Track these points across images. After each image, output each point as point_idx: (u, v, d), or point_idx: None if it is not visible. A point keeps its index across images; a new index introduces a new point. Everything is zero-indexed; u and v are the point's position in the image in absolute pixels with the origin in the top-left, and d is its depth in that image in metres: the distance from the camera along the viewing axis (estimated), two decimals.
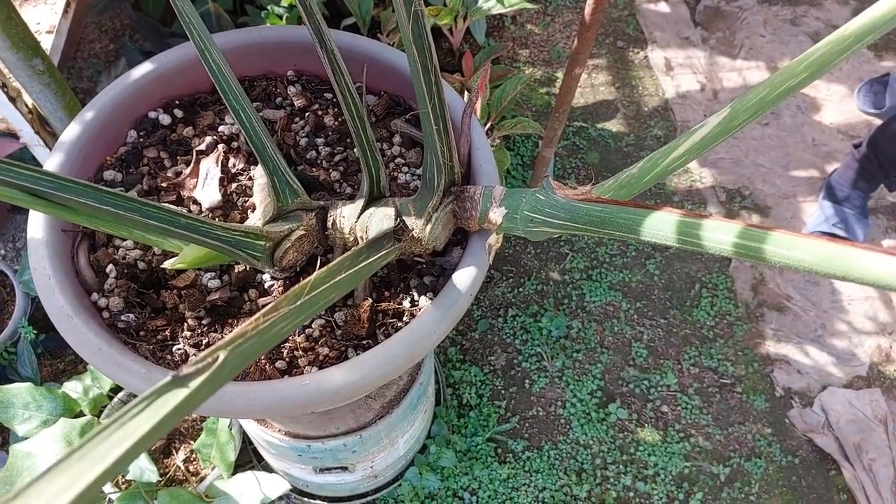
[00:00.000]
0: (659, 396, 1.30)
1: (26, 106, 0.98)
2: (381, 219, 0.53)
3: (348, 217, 0.56)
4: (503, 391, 1.28)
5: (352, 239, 0.56)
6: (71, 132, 0.60)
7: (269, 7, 1.57)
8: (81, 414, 0.99)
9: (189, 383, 0.25)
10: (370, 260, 0.42)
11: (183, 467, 1.01)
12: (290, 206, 0.56)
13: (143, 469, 0.88)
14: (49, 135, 1.04)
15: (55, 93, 0.96)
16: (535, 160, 1.60)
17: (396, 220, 0.53)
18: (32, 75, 0.91)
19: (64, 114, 0.99)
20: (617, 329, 1.37)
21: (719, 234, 0.35)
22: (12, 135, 1.02)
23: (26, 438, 0.90)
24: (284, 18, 1.56)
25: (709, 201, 1.59)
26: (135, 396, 1.07)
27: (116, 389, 1.04)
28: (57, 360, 1.16)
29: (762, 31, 1.93)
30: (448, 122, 0.51)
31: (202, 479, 1.00)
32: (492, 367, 1.31)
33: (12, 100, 0.94)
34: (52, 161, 0.58)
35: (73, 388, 1.00)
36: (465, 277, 0.55)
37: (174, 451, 1.05)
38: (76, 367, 1.15)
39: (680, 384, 1.32)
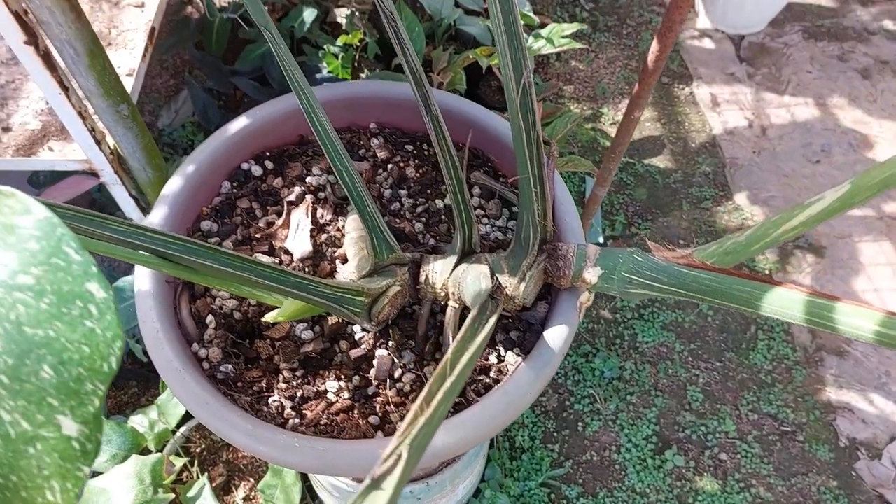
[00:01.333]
0: (717, 443, 1.27)
1: (109, 147, 1.02)
2: (476, 277, 0.53)
3: (440, 273, 0.57)
4: (556, 434, 1.27)
5: (443, 294, 0.57)
6: (173, 185, 0.63)
7: (325, 47, 1.62)
8: (147, 449, 1.01)
9: (383, 485, 0.26)
10: (486, 326, 0.43)
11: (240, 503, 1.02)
12: (386, 261, 0.57)
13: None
14: (126, 174, 1.08)
15: (136, 135, 1.00)
16: (583, 197, 1.61)
17: (493, 278, 0.54)
18: (118, 119, 0.95)
19: (142, 154, 1.03)
20: (671, 371, 1.36)
21: (856, 319, 0.35)
22: (93, 174, 1.06)
23: (97, 473, 0.93)
24: (340, 58, 1.60)
25: None
26: (199, 432, 1.09)
27: (180, 424, 1.06)
28: (120, 392, 1.19)
29: (809, 67, 1.92)
30: (546, 185, 0.52)
31: None
32: (543, 409, 1.30)
33: (98, 142, 0.98)
34: (156, 213, 0.61)
35: (139, 422, 1.02)
36: (556, 336, 0.55)
37: (234, 489, 1.06)
38: (139, 399, 1.17)
39: (739, 431, 1.29)
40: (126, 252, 0.44)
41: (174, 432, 1.07)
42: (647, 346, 1.38)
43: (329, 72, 1.58)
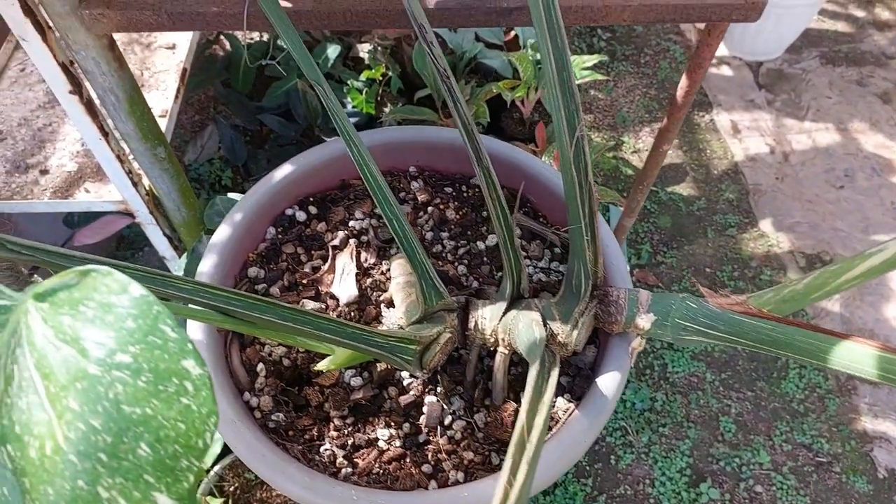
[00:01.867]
0: (752, 475, 1.25)
1: (145, 188, 1.04)
2: (528, 325, 0.53)
3: (490, 319, 0.57)
4: (588, 467, 1.25)
5: (492, 340, 0.57)
6: (222, 234, 0.64)
7: (349, 82, 1.65)
8: None
9: None
10: (551, 382, 0.43)
11: None
12: (435, 307, 0.57)
13: None
14: (161, 214, 1.09)
15: (172, 177, 1.01)
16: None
17: (545, 326, 0.54)
18: (155, 162, 0.97)
19: (177, 195, 1.05)
20: (703, 402, 1.34)
21: None
22: (128, 214, 1.08)
23: None
24: (364, 93, 1.62)
25: (788, 267, 1.56)
26: (232, 471, 1.09)
27: (214, 463, 1.06)
28: None
29: (828, 92, 1.93)
30: (597, 233, 0.52)
31: None
32: None
33: (135, 184, 1.00)
34: (207, 262, 0.61)
35: None
36: (609, 383, 0.55)
37: None
38: None
39: (773, 462, 1.27)
40: (189, 310, 0.45)
41: (208, 472, 1.07)
42: (678, 377, 1.36)
43: (353, 106, 1.60)
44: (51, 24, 0.77)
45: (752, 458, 1.27)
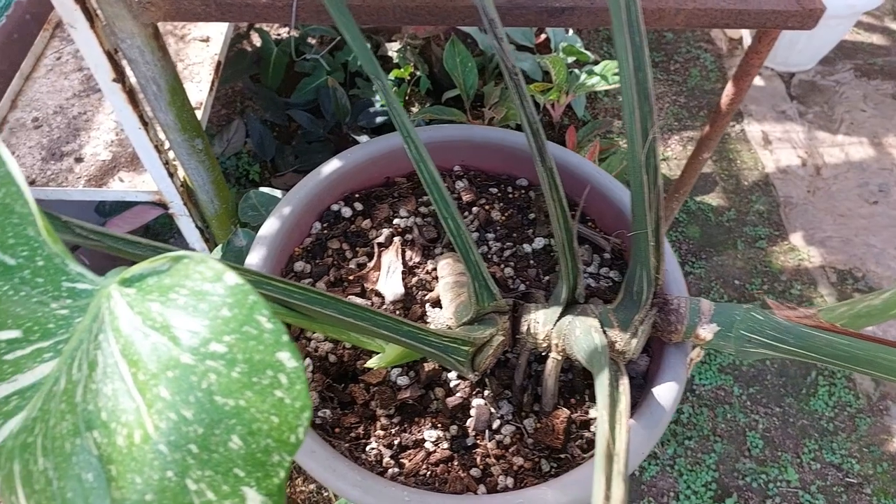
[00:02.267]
0: (779, 493, 1.23)
1: (180, 180, 1.04)
2: (587, 331, 0.52)
3: (543, 323, 0.56)
4: None
5: (545, 345, 0.56)
6: (270, 227, 0.63)
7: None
8: None
9: None
10: (623, 390, 0.42)
11: None
12: (486, 308, 0.56)
13: None
14: (194, 206, 1.09)
15: (207, 169, 1.01)
16: None
17: (604, 332, 0.52)
18: (192, 153, 0.96)
19: (211, 188, 1.04)
20: (729, 416, 1.32)
21: None
22: (161, 205, 1.07)
23: None
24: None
25: (819, 282, 1.53)
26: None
27: None
28: None
29: (863, 105, 1.90)
30: (662, 239, 0.51)
31: None
32: None
33: (171, 175, 1.00)
34: (255, 255, 0.61)
35: None
36: (666, 394, 0.54)
37: None
38: None
39: (801, 480, 1.24)
40: None
41: None
42: (705, 390, 1.34)
43: (382, 105, 1.59)
44: (98, 11, 0.77)
45: (780, 476, 1.25)
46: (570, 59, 1.57)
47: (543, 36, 1.74)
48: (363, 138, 1.53)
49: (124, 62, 0.83)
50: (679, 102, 1.88)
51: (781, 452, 1.28)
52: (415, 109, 1.67)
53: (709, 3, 0.76)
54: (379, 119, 1.56)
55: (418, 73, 1.66)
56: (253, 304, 0.27)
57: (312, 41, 1.64)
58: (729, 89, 0.97)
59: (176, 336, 0.27)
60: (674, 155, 1.77)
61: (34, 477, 0.29)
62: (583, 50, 1.57)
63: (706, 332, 0.52)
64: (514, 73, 0.49)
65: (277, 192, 1.17)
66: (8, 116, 1.18)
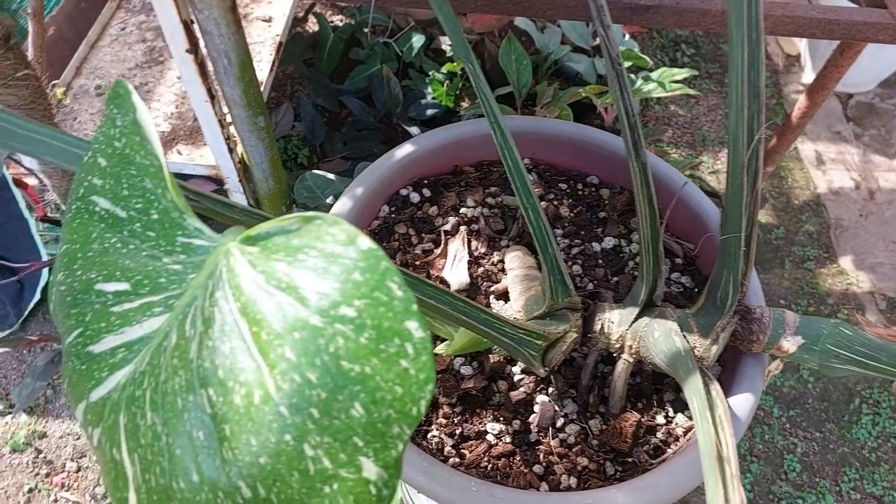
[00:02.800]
0: None
1: (238, 156, 1.04)
2: (667, 334, 0.51)
3: (618, 323, 0.55)
4: None
5: (617, 346, 0.55)
6: (343, 206, 0.62)
7: (430, 73, 1.64)
8: None
9: None
10: (715, 394, 0.40)
11: None
12: (560, 304, 0.55)
13: None
14: (248, 183, 1.10)
15: (266, 147, 1.01)
16: None
17: (685, 337, 0.51)
18: (253, 131, 0.97)
19: (268, 166, 1.04)
20: (767, 437, 1.29)
21: None
22: (217, 180, 1.08)
23: None
24: (445, 85, 1.61)
25: (867, 308, 1.49)
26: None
27: None
28: None
29: None
30: (753, 244, 0.49)
31: None
32: None
33: (230, 150, 1.00)
34: None
35: None
36: (742, 406, 0.52)
37: None
38: None
39: None
40: None
41: None
42: None
43: (433, 98, 1.59)
44: None
45: (817, 502, 1.22)
46: (627, 64, 1.55)
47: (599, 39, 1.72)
48: (413, 129, 1.52)
49: (199, 34, 0.83)
50: None
51: (820, 479, 1.25)
52: (465, 104, 1.66)
53: (798, 11, 0.74)
54: (430, 111, 1.55)
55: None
56: (385, 270, 0.26)
57: (367, 30, 1.64)
58: (802, 102, 0.94)
59: (304, 297, 0.26)
60: (723, 168, 1.74)
61: (141, 431, 0.29)
62: (641, 55, 1.55)
63: (790, 344, 0.50)
64: (618, 63, 0.47)
65: (331, 176, 1.17)
66: (72, 83, 1.20)
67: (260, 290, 0.27)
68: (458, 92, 1.66)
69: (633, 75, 1.61)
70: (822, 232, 1.62)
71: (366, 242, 0.26)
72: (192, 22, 0.83)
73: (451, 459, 0.53)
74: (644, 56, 1.52)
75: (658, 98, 1.89)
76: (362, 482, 0.26)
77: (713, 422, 0.36)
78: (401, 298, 0.26)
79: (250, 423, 0.26)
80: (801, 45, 2.00)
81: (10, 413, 1.28)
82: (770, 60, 2.01)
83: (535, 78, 1.68)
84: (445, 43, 1.75)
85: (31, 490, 1.20)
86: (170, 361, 0.29)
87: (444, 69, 1.65)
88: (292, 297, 0.26)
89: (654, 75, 1.54)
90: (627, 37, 1.70)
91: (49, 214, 1.08)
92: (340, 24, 1.74)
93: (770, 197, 1.67)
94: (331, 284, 0.26)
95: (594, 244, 0.67)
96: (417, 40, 1.63)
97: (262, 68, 1.22)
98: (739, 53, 0.43)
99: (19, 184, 1.05)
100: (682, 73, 1.52)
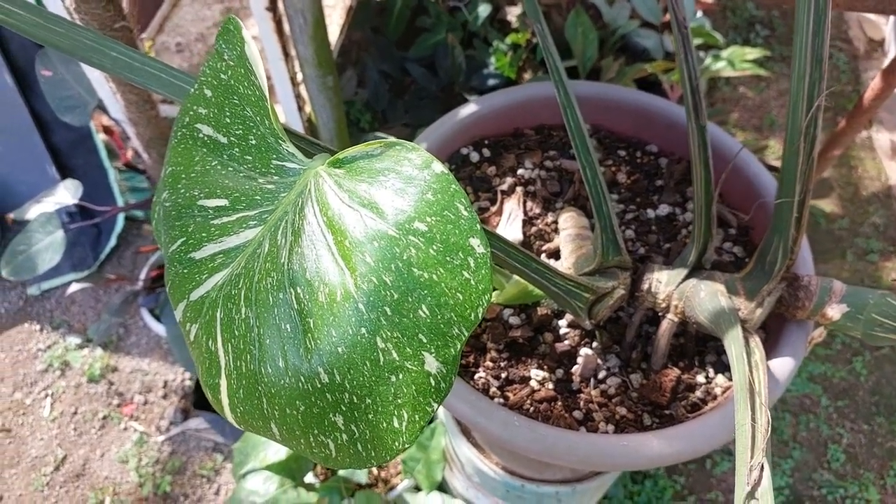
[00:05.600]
0: None
1: (306, 115, 1.09)
2: (712, 294, 0.53)
3: (666, 283, 0.56)
4: (682, 466, 1.23)
5: (664, 305, 0.57)
6: None
7: (494, 43, 1.65)
8: None
9: (757, 494, 0.27)
10: (753, 345, 0.42)
11: (375, 471, 1.06)
12: (610, 262, 0.57)
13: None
14: None
15: (333, 107, 1.06)
16: None
17: (731, 298, 0.53)
18: (322, 90, 1.01)
19: (334, 126, 1.09)
20: (812, 425, 1.27)
21: None
22: None
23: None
24: (508, 56, 1.62)
25: None
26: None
27: None
28: None
29: None
30: (806, 211, 0.50)
31: (391, 487, 1.05)
32: None
33: (299, 108, 1.06)
34: None
35: None
36: (782, 368, 0.53)
37: None
38: None
39: (882, 502, 1.19)
40: None
41: None
42: (790, 395, 1.30)
43: (496, 68, 1.60)
44: None
45: (859, 493, 1.20)
46: (697, 41, 1.52)
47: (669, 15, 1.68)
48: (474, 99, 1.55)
49: None
50: None
51: (864, 471, 1.23)
52: (527, 76, 1.67)
53: None
54: (491, 81, 1.57)
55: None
56: (454, 192, 0.29)
57: None
58: (876, 83, 0.91)
59: (383, 212, 0.30)
60: None
61: (235, 323, 0.33)
62: (712, 32, 1.51)
63: (834, 311, 0.51)
64: (684, 26, 0.49)
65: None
66: (155, 39, 1.28)
67: (344, 205, 0.31)
68: (520, 63, 1.66)
69: (702, 53, 1.58)
70: (890, 225, 1.56)
71: (439, 167, 0.29)
72: None
73: (496, 399, 0.57)
74: (715, 34, 1.49)
75: (727, 78, 1.84)
76: (424, 374, 0.30)
77: (748, 364, 0.38)
78: (466, 218, 0.29)
79: (332, 318, 0.30)
80: (886, 28, 1.90)
81: (87, 346, 1.39)
82: (850, 45, 1.92)
83: (601, 52, 1.67)
84: (511, 13, 1.75)
85: (104, 417, 1.31)
86: (263, 265, 0.33)
87: (508, 40, 1.65)
88: (373, 212, 0.30)
89: (724, 53, 1.51)
90: (700, 13, 1.66)
91: (132, 162, 1.16)
92: None
93: (837, 186, 1.62)
94: (407, 202, 0.29)
95: (649, 211, 0.69)
96: (484, 9, 1.64)
97: (332, 31, 1.26)
98: (805, 18, 0.43)
99: (107, 130, 1.13)
100: (754, 53, 1.48)
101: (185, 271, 0.36)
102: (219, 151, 0.37)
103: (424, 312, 0.29)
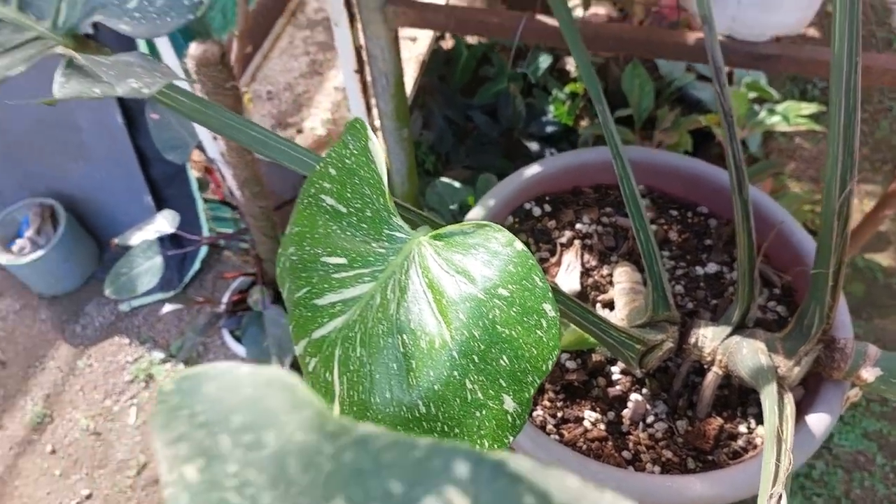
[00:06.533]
0: None
1: None
2: (753, 352, 0.58)
3: (711, 339, 0.62)
4: None
5: (709, 359, 0.62)
6: (476, 213, 0.74)
7: (553, 92, 1.73)
8: None
9: None
10: (787, 401, 0.48)
11: None
12: (660, 317, 0.64)
13: None
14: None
15: (406, 155, 1.16)
16: None
17: (770, 357, 0.58)
18: (398, 141, 1.12)
19: (405, 171, 1.19)
20: (867, 484, 1.27)
21: None
22: None
23: None
24: (566, 105, 1.70)
25: None
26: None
27: None
28: None
29: None
30: (840, 282, 0.55)
31: None
32: None
33: None
34: None
35: None
36: (818, 423, 0.58)
37: None
38: None
39: None
40: None
41: None
42: (843, 451, 1.30)
43: (554, 116, 1.68)
44: (358, 15, 0.93)
45: None
46: (752, 95, 1.56)
47: (727, 68, 1.73)
48: (532, 145, 1.63)
49: (366, 57, 0.99)
50: (862, 154, 1.78)
51: None
52: (584, 123, 1.74)
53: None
54: (549, 128, 1.65)
55: None
56: (531, 266, 0.37)
57: (575, 61, 1.76)
58: None
59: (473, 278, 0.38)
60: None
61: (351, 360, 0.42)
62: (767, 88, 1.56)
63: (869, 374, 0.55)
64: (730, 116, 0.56)
65: (457, 184, 1.30)
66: (249, 87, 1.42)
67: (442, 271, 0.39)
68: (578, 111, 1.74)
69: (756, 106, 1.62)
70: None
71: (520, 245, 0.37)
72: (362, 48, 0.99)
73: (552, 436, 0.63)
74: (771, 89, 1.53)
75: (784, 131, 1.86)
76: (503, 412, 0.37)
77: (780, 416, 0.43)
78: (541, 287, 0.37)
79: (430, 361, 0.38)
80: None
81: (169, 361, 1.52)
82: None
83: (657, 102, 1.73)
84: (570, 63, 1.84)
85: None
86: (375, 314, 0.41)
87: (566, 89, 1.74)
88: (465, 278, 0.38)
89: (779, 108, 1.54)
90: None
91: (225, 198, 1.28)
92: (474, 44, 1.88)
93: (894, 240, 1.62)
94: (493, 272, 0.37)
95: (698, 268, 0.75)
96: (544, 60, 1.74)
97: (407, 83, 1.37)
98: (837, 114, 0.50)
99: (207, 170, 1.26)
100: (810, 108, 1.51)
101: (309, 314, 0.45)
102: (339, 219, 0.46)
103: (505, 362, 0.37)
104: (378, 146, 0.42)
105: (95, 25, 0.48)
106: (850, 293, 1.53)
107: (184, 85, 0.87)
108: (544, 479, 0.11)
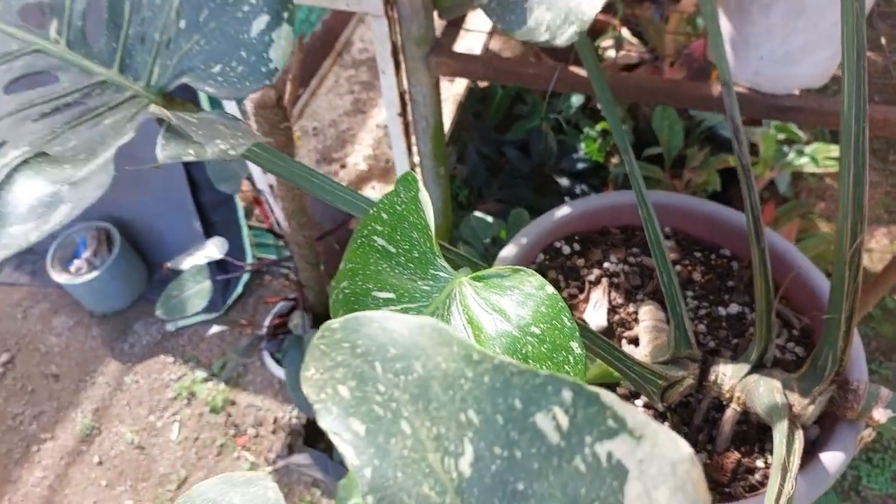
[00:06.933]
0: None
1: None
2: (770, 390, 0.62)
3: (730, 377, 0.66)
4: None
5: (728, 396, 0.66)
6: (509, 252, 0.80)
7: (584, 130, 1.79)
8: None
9: None
10: (797, 437, 0.52)
11: None
12: (681, 354, 0.68)
13: None
14: None
15: (442, 191, 1.22)
16: None
17: (785, 395, 0.61)
18: (435, 179, 1.18)
19: (441, 206, 1.25)
20: None
21: None
22: None
23: None
24: (597, 143, 1.75)
25: None
26: None
27: None
28: None
29: None
30: (853, 328, 0.59)
31: None
32: None
33: None
34: None
35: None
36: (832, 461, 0.61)
37: None
38: None
39: None
40: None
41: None
42: (872, 494, 1.29)
43: (585, 153, 1.74)
44: (403, 64, 1.00)
45: None
46: (781, 136, 1.59)
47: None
48: (563, 180, 1.68)
49: (409, 101, 1.06)
50: (893, 194, 1.79)
51: None
52: (615, 161, 1.79)
53: None
54: (580, 165, 1.70)
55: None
56: (561, 308, 0.42)
57: (601, 108, 1.83)
58: None
59: (509, 317, 0.43)
60: (878, 247, 1.70)
61: None
62: (796, 129, 1.59)
63: (881, 415, 0.58)
64: (747, 169, 0.60)
65: (490, 219, 1.36)
66: (296, 124, 1.51)
67: (481, 309, 0.44)
68: (608, 149, 1.79)
69: (785, 147, 1.65)
70: None
71: (551, 289, 0.43)
72: (405, 93, 1.06)
73: None
74: (799, 132, 1.56)
75: (813, 172, 1.88)
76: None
77: (787, 448, 0.47)
78: (569, 327, 0.42)
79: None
80: None
81: (211, 380, 1.59)
82: None
83: (686, 141, 1.77)
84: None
85: (221, 445, 1.49)
86: None
87: (598, 127, 1.79)
88: (501, 316, 0.43)
89: (807, 149, 1.57)
90: None
91: (272, 228, 1.36)
92: (509, 84, 1.95)
93: None
94: (526, 312, 0.42)
95: (720, 308, 0.79)
96: (577, 99, 1.80)
97: (444, 122, 1.44)
98: (847, 173, 0.54)
99: (256, 201, 1.35)
100: (838, 150, 1.53)
101: None
102: (389, 258, 0.52)
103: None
104: (426, 196, 0.48)
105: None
106: (881, 334, 1.53)
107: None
108: (623, 409, 0.16)
